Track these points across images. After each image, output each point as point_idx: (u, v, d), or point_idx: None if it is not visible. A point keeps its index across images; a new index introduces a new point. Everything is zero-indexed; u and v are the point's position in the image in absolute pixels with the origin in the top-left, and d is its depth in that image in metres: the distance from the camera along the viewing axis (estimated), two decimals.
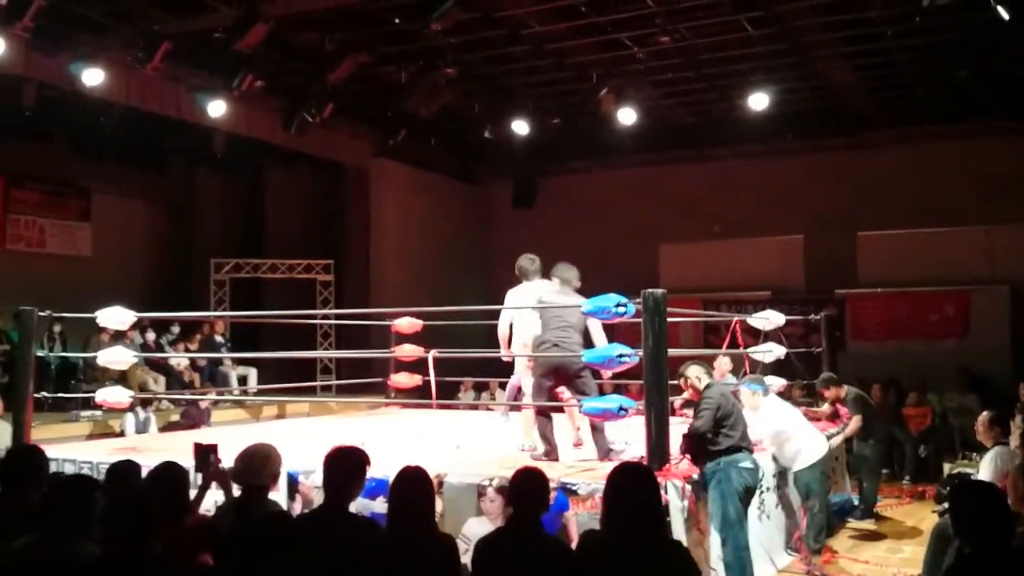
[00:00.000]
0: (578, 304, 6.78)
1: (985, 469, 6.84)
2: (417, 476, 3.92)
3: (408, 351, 9.70)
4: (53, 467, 6.44)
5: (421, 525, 3.78)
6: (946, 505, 7.88)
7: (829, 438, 8.48)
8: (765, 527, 7.37)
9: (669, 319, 6.32)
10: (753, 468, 6.38)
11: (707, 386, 6.63)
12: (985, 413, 7.27)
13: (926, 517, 9.13)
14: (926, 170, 15.16)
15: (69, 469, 7.20)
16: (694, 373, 6.74)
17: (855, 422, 9.20)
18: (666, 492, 5.76)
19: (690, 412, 8.05)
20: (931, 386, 13.09)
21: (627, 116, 13.52)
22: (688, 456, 6.29)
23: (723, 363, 9.67)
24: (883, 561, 7.57)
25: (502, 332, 7.65)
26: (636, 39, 11.97)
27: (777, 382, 9.21)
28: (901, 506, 10.12)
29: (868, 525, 9.15)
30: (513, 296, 7.61)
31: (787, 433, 7.72)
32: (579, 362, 6.73)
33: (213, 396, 12.70)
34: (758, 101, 13.33)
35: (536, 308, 7.10)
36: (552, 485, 5.11)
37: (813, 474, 7.70)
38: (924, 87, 14.20)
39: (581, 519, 5.87)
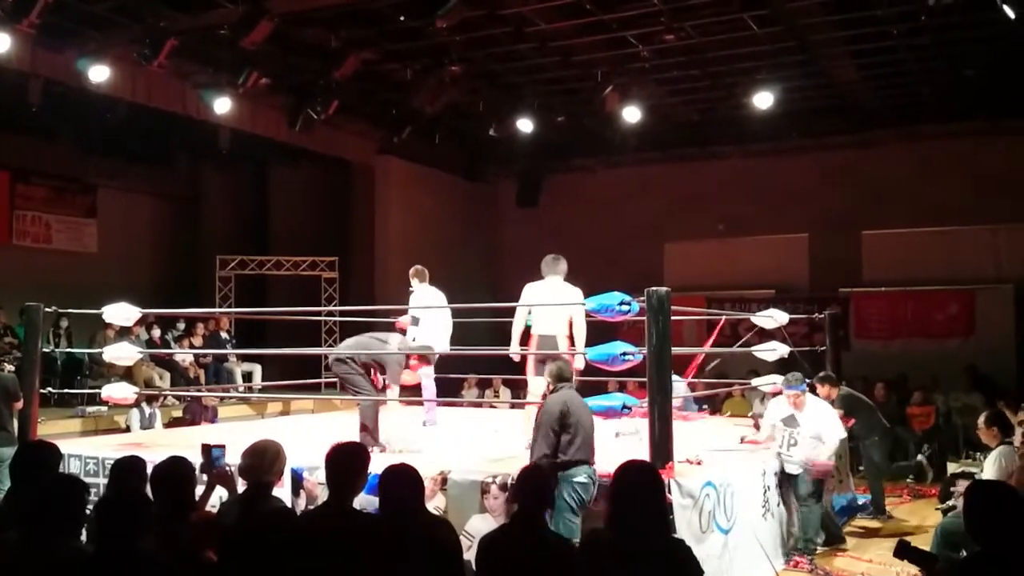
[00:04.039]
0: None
1: (989, 469, 6.84)
2: (405, 472, 3.91)
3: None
4: None
5: (412, 519, 3.78)
6: (950, 503, 7.92)
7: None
8: (768, 526, 7.38)
9: (673, 317, 6.33)
10: (587, 482, 5.78)
11: (554, 390, 5.95)
12: (983, 415, 7.28)
13: (930, 516, 9.13)
14: (931, 169, 15.13)
15: (75, 464, 7.24)
16: (547, 377, 6.00)
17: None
18: (669, 491, 5.77)
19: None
20: (936, 385, 13.10)
21: (632, 114, 13.54)
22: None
23: None
24: (887, 560, 7.56)
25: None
26: (641, 37, 11.96)
27: (780, 380, 9.22)
28: (904, 505, 10.12)
29: (877, 523, 9.15)
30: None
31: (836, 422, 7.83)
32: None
33: (219, 393, 12.73)
34: (763, 99, 13.35)
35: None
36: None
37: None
38: (930, 86, 14.16)
39: None
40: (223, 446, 5.04)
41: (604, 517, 3.67)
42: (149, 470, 4.62)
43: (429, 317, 8.93)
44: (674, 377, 9.98)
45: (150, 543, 3.62)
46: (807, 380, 9.27)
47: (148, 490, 4.31)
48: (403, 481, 3.86)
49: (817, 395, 9.42)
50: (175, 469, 4.33)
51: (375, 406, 7.63)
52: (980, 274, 14.96)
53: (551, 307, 7.31)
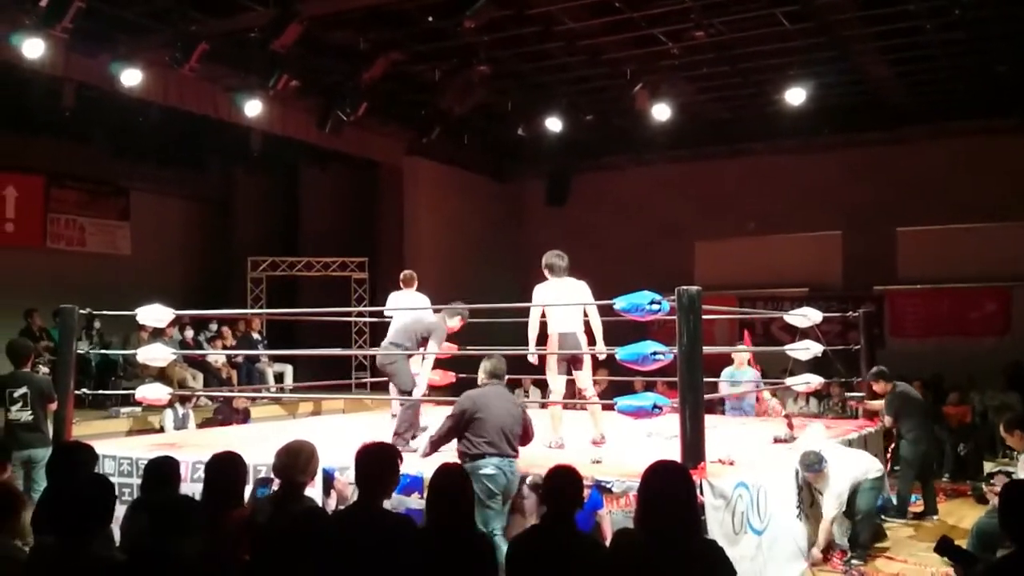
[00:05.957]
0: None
1: None
2: (457, 472, 3.92)
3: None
4: None
5: (459, 522, 3.78)
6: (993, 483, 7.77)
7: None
8: (801, 525, 7.30)
9: (704, 316, 6.28)
10: (494, 473, 5.95)
11: (482, 385, 6.36)
12: (1002, 424, 7.13)
13: (966, 516, 9.01)
14: (965, 165, 14.92)
15: (109, 465, 7.31)
16: (481, 372, 6.44)
17: (884, 422, 9.08)
18: (701, 492, 5.73)
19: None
20: (972, 384, 12.93)
21: (661, 112, 13.46)
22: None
23: (741, 356, 9.92)
24: (922, 561, 7.47)
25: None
26: (671, 34, 11.89)
27: (815, 380, 9.13)
28: (940, 504, 9.97)
29: (903, 524, 9.03)
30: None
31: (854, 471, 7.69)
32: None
33: (250, 393, 12.82)
34: (794, 96, 13.23)
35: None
36: (586, 483, 5.12)
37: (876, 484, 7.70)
38: (963, 81, 13.98)
39: (615, 517, 5.86)
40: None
41: (635, 518, 3.65)
42: (183, 470, 4.66)
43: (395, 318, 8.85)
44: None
45: (189, 543, 3.64)
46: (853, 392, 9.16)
47: (183, 489, 4.35)
48: (450, 482, 3.88)
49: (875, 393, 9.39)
50: (229, 465, 4.37)
51: (415, 407, 7.62)
52: (1016, 271, 14.75)
53: (568, 306, 7.31)
